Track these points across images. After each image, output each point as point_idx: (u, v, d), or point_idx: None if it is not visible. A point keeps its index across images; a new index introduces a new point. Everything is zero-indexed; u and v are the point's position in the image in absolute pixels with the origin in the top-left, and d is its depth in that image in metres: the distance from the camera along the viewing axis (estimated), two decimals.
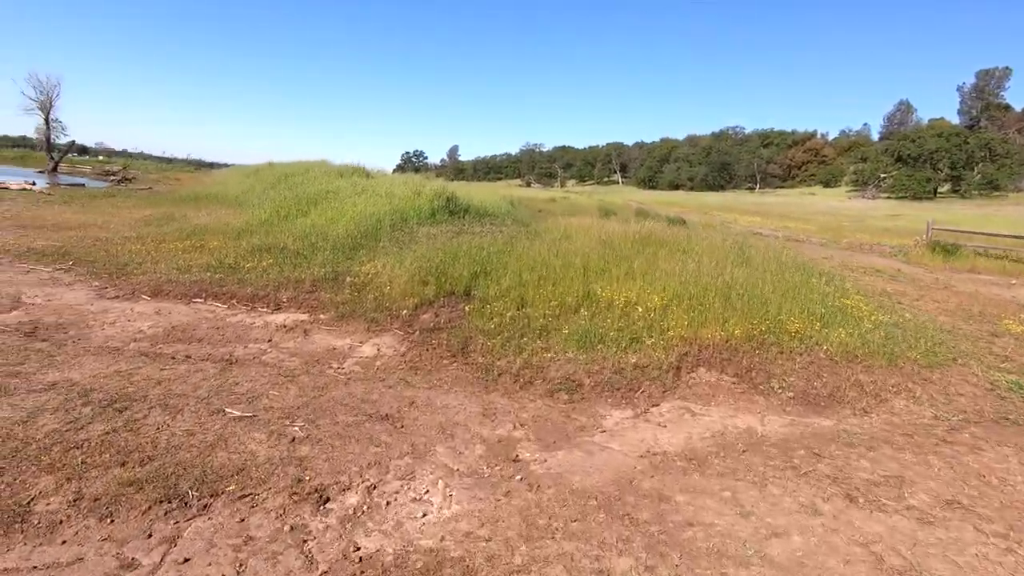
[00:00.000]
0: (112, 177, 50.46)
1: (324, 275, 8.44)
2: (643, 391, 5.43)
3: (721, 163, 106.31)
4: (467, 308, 7.17)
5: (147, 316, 6.67)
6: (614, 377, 5.58)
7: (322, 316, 7.13)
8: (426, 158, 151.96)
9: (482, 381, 5.43)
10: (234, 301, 7.54)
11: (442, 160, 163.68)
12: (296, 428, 3.91)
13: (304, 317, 7.08)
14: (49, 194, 24.69)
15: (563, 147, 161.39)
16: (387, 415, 4.34)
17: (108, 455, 3.33)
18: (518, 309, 7.18)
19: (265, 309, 7.36)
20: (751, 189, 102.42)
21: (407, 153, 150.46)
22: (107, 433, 3.56)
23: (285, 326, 6.72)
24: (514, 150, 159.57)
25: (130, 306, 7.01)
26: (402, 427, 4.18)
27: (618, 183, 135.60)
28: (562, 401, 5.09)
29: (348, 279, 8.17)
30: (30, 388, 4.15)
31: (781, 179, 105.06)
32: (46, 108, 52.83)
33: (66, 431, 3.54)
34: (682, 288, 7.80)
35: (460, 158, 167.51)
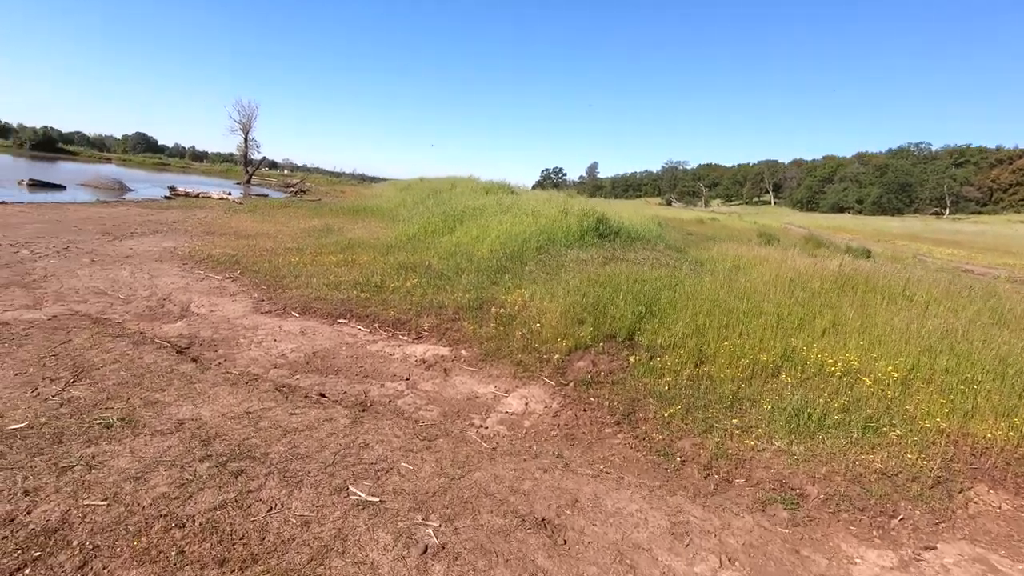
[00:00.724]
0: (290, 189, 57.43)
1: (468, 302, 7.74)
2: (902, 518, 3.72)
3: (900, 184, 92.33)
4: (631, 358, 5.90)
5: (292, 336, 6.41)
6: (852, 489, 3.93)
7: (464, 352, 6.35)
8: (565, 175, 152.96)
9: (660, 469, 4.12)
10: (376, 325, 7.09)
11: (581, 177, 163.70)
12: (430, 531, 2.97)
13: (445, 352, 6.35)
14: (239, 203, 28.17)
15: (708, 165, 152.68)
16: (543, 520, 3.24)
17: (209, 544, 2.64)
18: (696, 366, 5.74)
19: (406, 337, 6.79)
20: (938, 214, 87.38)
21: (547, 170, 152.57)
22: (215, 509, 2.91)
23: (425, 361, 6.02)
24: (655, 167, 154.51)
25: (279, 323, 6.86)
26: (564, 543, 3.06)
27: (770, 204, 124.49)
28: (781, 522, 3.59)
29: (493, 309, 7.36)
30: (158, 427, 3.74)
31: (979, 203, 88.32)
32: (246, 128, 62.18)
33: (174, 499, 2.95)
34: (926, 355, 5.77)
35: (599, 175, 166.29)
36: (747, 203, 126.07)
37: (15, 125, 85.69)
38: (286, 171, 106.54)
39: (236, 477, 3.20)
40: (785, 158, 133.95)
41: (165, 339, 5.79)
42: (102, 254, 10.24)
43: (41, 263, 8.94)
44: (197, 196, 30.13)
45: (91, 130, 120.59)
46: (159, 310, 6.92)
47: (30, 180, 26.03)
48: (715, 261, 12.21)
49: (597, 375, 5.69)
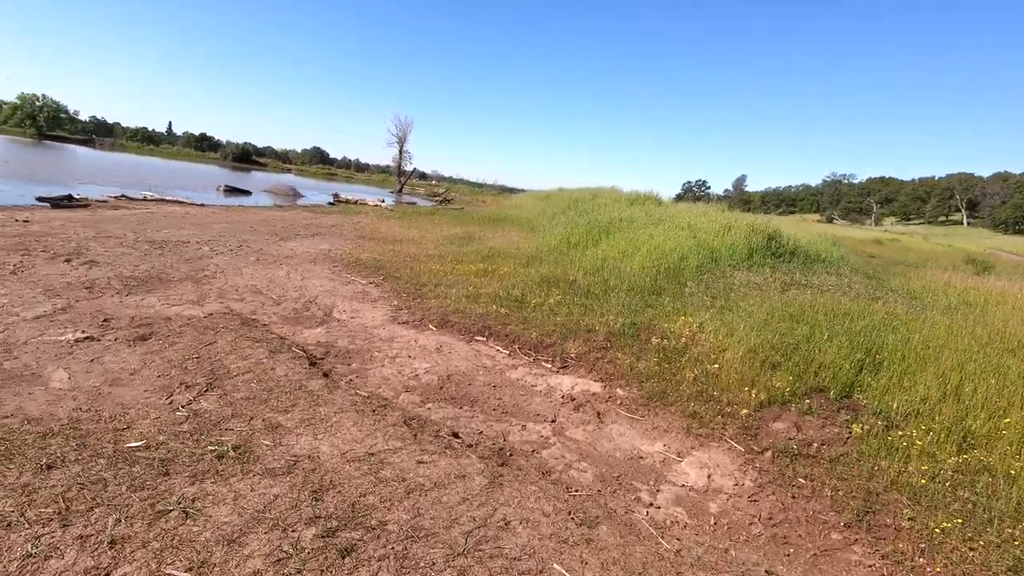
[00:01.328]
0: (436, 198, 60.83)
1: (621, 327, 6.61)
2: None
3: None
4: (855, 427, 4.32)
5: (428, 353, 5.82)
6: None
7: (620, 391, 5.23)
8: (708, 187, 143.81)
9: None
10: (516, 347, 6.27)
11: (726, 190, 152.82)
12: None
13: (597, 388, 5.29)
14: (391, 210, 29.94)
15: (881, 178, 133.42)
16: None
17: None
18: (962, 450, 4.01)
19: (549, 365, 5.86)
20: None
21: (688, 183, 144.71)
22: None
23: (573, 399, 5.02)
24: (812, 180, 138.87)
25: (415, 337, 6.34)
26: None
27: (961, 224, 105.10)
28: None
29: (654, 340, 6.14)
30: (271, 463, 3.18)
31: None
32: (401, 141, 67.42)
33: None
34: None
35: (747, 188, 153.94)
36: (929, 223, 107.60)
37: (224, 141, 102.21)
38: (434, 181, 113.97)
39: (343, 558, 2.44)
40: (984, 171, 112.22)
41: (303, 347, 5.50)
42: (267, 254, 10.85)
43: (215, 260, 9.58)
44: (356, 203, 32.68)
45: (279, 145, 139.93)
46: (304, 313, 6.79)
47: (225, 186, 30.12)
48: (931, 294, 9.64)
49: (805, 445, 4.22)
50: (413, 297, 8.05)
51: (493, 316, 7.13)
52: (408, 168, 67.77)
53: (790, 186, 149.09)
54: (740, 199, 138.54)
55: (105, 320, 5.47)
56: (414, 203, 44.67)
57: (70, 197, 16.85)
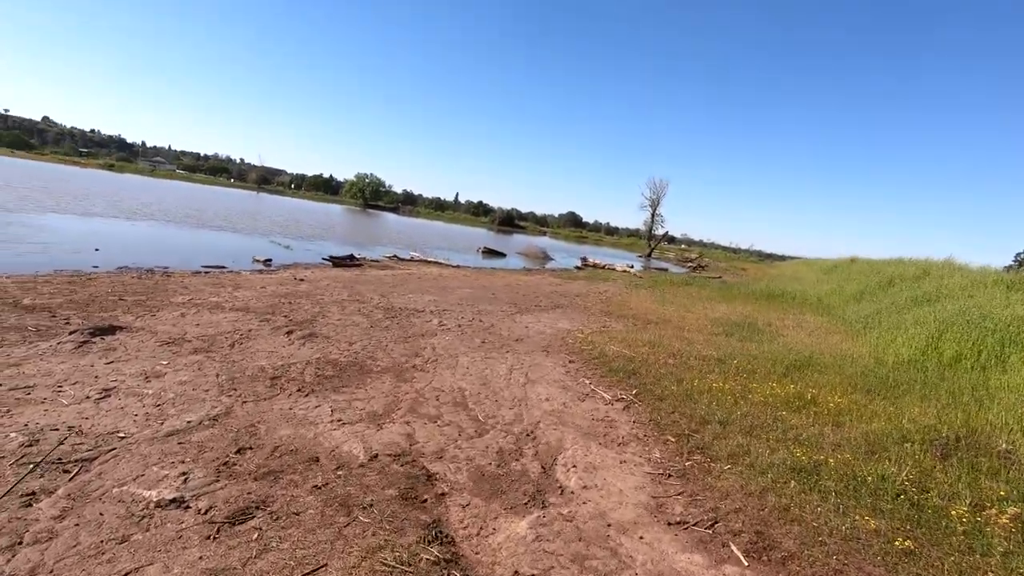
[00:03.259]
0: (688, 264, 56.14)
1: None
2: None
3: None
4: None
5: None
6: None
7: None
8: None
9: None
10: None
11: None
12: None
13: None
14: (640, 277, 27.20)
15: None
16: None
17: None
18: None
19: None
20: None
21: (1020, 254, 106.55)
22: None
23: None
24: None
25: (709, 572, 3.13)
26: None
27: None
28: None
29: None
30: None
31: None
32: (654, 204, 65.28)
33: None
34: None
35: None
36: None
37: (495, 207, 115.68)
38: (683, 245, 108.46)
39: None
40: None
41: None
42: (496, 333, 9.01)
43: (437, 340, 8.01)
44: (603, 267, 30.97)
45: (540, 210, 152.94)
46: (511, 465, 4.22)
47: (484, 248, 31.70)
48: None
49: None
50: (687, 448, 4.83)
51: (861, 533, 3.44)
52: (660, 232, 64.90)
53: None
54: None
55: (234, 455, 3.72)
56: (665, 269, 41.24)
57: (352, 257, 18.61)
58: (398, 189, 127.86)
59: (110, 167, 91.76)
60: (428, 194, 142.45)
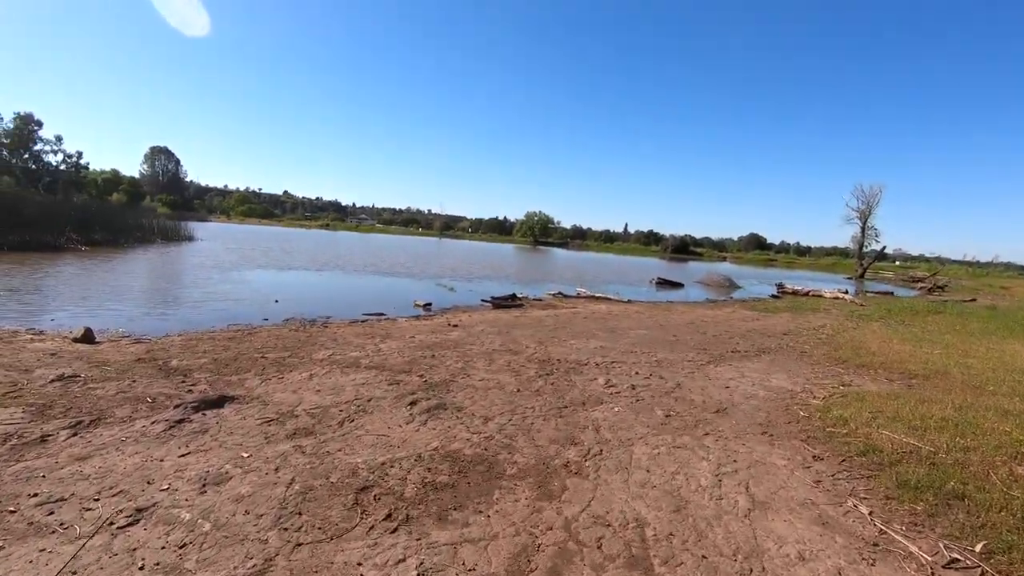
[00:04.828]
0: (919, 284, 45.21)
1: None
2: None
3: None
4: None
5: None
6: None
7: None
8: None
9: None
10: None
11: None
12: None
13: None
14: (861, 305, 21.60)
15: None
16: None
17: None
18: None
19: None
20: None
21: None
22: None
23: None
24: None
25: None
26: None
27: None
28: None
29: None
30: None
31: None
32: (864, 216, 54.58)
33: None
34: None
35: None
36: None
37: (667, 235, 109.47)
38: (897, 262, 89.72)
39: None
40: None
41: None
42: (685, 400, 6.51)
43: (603, 412, 5.84)
44: (807, 295, 25.64)
45: (716, 234, 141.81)
46: None
47: (658, 279, 28.58)
48: None
49: None
50: None
51: None
52: (875, 247, 53.99)
53: None
54: None
55: None
56: (890, 292, 33.20)
57: (514, 296, 17.41)
58: (568, 224, 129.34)
59: (326, 226, 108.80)
60: (598, 227, 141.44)
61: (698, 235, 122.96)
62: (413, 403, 5.75)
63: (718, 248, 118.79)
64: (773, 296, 25.61)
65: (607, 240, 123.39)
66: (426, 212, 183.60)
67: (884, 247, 59.06)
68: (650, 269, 42.84)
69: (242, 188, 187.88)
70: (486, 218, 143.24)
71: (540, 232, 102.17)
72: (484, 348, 9.21)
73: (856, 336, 12.46)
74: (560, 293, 19.83)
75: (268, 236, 52.85)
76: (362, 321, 11.90)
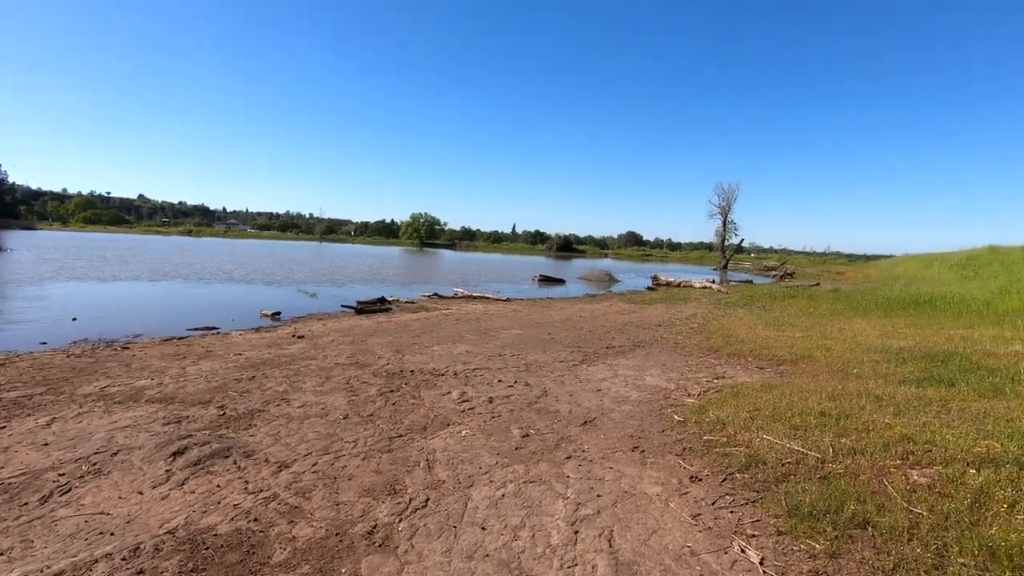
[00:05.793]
0: (772, 273, 50.08)
1: None
2: None
3: None
4: None
5: None
6: None
7: None
8: None
9: None
10: None
11: None
12: None
13: None
14: (725, 293, 22.80)
15: None
16: None
17: None
18: None
19: None
20: None
21: None
22: None
23: None
24: None
25: None
26: None
27: None
28: None
29: None
30: None
31: None
32: (724, 211, 59.63)
33: None
34: None
35: None
36: None
37: (552, 235, 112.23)
38: (752, 254, 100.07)
39: None
40: None
41: None
42: (548, 411, 5.54)
43: (446, 438, 4.64)
44: (679, 286, 26.74)
45: (598, 232, 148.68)
46: None
47: (540, 276, 28.32)
48: None
49: None
50: None
51: None
52: (735, 241, 59.09)
53: None
54: None
55: None
56: (749, 281, 36.09)
57: (383, 299, 15.78)
58: (456, 226, 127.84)
59: (188, 232, 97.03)
60: (487, 228, 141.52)
61: (582, 234, 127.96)
62: (179, 452, 4.13)
63: (600, 246, 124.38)
64: (649, 288, 26.40)
65: (495, 240, 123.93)
66: (307, 216, 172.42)
67: (743, 240, 65.08)
68: (535, 267, 42.93)
69: (85, 192, 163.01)
70: (372, 221, 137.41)
71: (427, 234, 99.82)
72: (325, 363, 7.67)
73: (725, 324, 12.58)
74: (435, 294, 18.51)
75: (111, 245, 45.40)
76: (181, 339, 9.70)
